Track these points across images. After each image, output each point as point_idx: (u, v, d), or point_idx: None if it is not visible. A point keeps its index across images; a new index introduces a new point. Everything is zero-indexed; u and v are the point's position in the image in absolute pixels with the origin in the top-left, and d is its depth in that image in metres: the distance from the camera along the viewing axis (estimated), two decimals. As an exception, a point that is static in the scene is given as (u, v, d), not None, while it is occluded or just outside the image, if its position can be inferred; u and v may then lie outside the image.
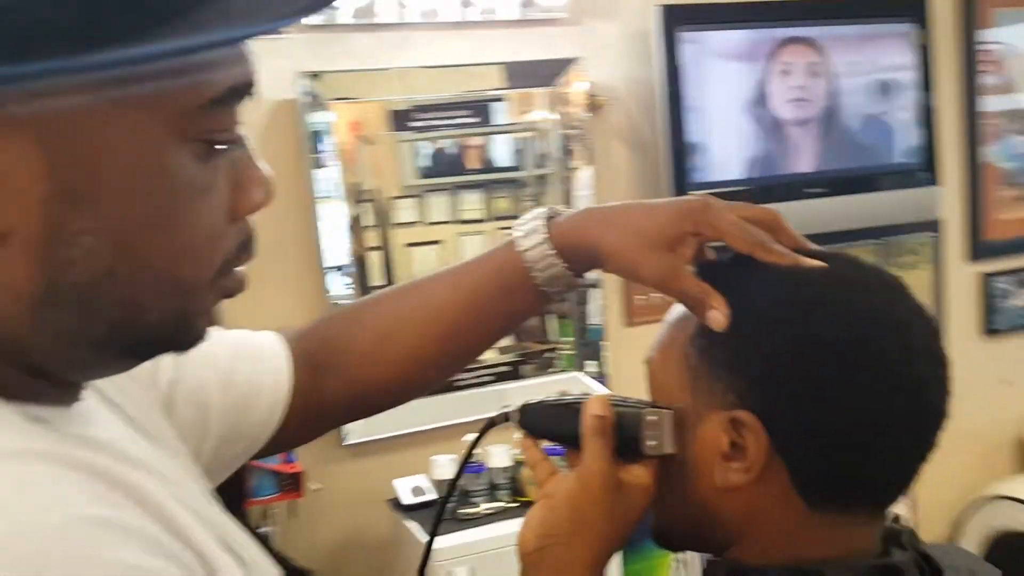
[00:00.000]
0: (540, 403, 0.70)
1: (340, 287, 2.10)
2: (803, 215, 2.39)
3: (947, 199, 2.66)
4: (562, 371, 2.35)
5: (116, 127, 0.42)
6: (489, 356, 2.27)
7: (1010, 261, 2.82)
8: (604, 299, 2.35)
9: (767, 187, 2.36)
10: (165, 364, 0.66)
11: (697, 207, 0.66)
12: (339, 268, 2.10)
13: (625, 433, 0.66)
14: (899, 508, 0.68)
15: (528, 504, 0.91)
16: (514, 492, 1.98)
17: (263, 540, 1.79)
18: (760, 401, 0.61)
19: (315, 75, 2.03)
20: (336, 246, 2.09)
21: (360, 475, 2.11)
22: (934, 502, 2.65)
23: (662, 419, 0.65)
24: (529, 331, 2.36)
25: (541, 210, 0.71)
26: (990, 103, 2.74)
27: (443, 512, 0.83)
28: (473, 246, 2.20)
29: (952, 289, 2.76)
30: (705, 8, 2.34)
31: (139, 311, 0.46)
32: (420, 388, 0.78)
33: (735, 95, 2.34)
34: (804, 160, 2.43)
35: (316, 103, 2.04)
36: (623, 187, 2.35)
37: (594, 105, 2.28)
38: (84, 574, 0.38)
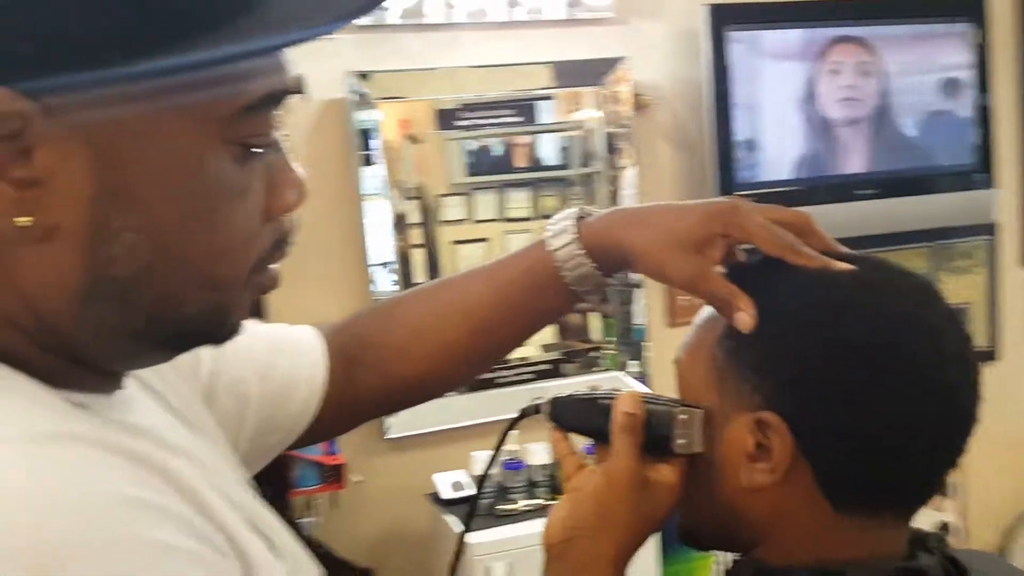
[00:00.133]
0: (570, 397, 0.71)
1: (385, 284, 2.13)
2: (853, 217, 2.36)
3: (1004, 202, 2.60)
4: (605, 370, 2.36)
5: (158, 132, 0.45)
6: (532, 353, 2.29)
7: (1068, 266, 2.74)
8: (647, 299, 2.34)
9: (816, 188, 2.34)
10: (206, 356, 0.69)
11: (726, 209, 0.66)
12: (384, 265, 2.13)
13: (655, 431, 0.66)
14: (948, 516, 0.68)
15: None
16: (553, 490, 1.99)
17: (296, 527, 1.83)
18: (786, 403, 0.61)
19: (364, 75, 2.06)
20: (382, 243, 2.12)
21: (401, 469, 2.14)
22: (985, 510, 2.59)
23: (693, 418, 0.65)
24: (573, 330, 2.36)
25: (572, 210, 0.72)
26: (1049, 104, 2.67)
27: (475, 506, 0.85)
28: (520, 244, 2.20)
29: (1007, 294, 2.70)
30: (754, 7, 2.32)
31: (177, 305, 0.48)
32: (452, 383, 0.80)
33: (784, 94, 2.32)
34: (855, 161, 2.40)
35: (364, 102, 2.07)
36: (668, 186, 2.35)
37: (640, 104, 2.28)
38: (121, 551, 0.40)
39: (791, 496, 0.63)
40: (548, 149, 2.26)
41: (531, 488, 2.01)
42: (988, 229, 2.62)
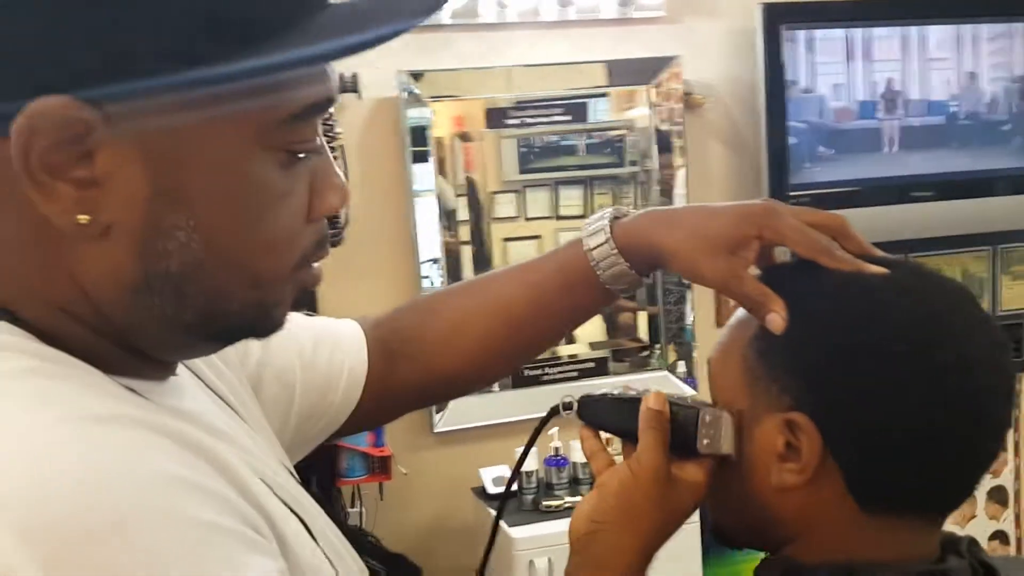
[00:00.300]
0: (600, 396, 0.73)
1: (435, 280, 2.16)
2: (911, 219, 2.32)
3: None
4: (653, 370, 2.35)
5: (209, 139, 0.48)
6: (580, 351, 2.30)
7: None
8: (694, 300, 2.34)
9: (873, 190, 2.30)
10: (254, 347, 0.72)
11: (760, 211, 0.67)
12: (434, 261, 2.16)
13: (681, 430, 0.67)
14: (1004, 524, 0.68)
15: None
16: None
17: (340, 515, 1.86)
18: (815, 404, 0.62)
19: (416, 73, 2.09)
20: (433, 239, 2.15)
21: (447, 462, 2.17)
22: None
23: (717, 420, 0.66)
24: (622, 328, 2.37)
25: (608, 210, 0.74)
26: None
27: (507, 497, 0.86)
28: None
29: (1070, 300, 2.62)
30: (810, 5, 2.30)
31: (224, 300, 0.51)
32: (489, 377, 0.82)
33: (840, 94, 2.29)
34: (913, 163, 2.36)
35: (417, 100, 2.10)
36: (719, 186, 2.33)
37: (692, 103, 2.27)
38: (163, 525, 0.42)
39: (820, 497, 0.63)
40: (600, 147, 2.27)
41: (574, 484, 2.02)
42: (1051, 233, 2.56)
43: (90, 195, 0.46)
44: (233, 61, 0.45)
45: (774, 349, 0.64)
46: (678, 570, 1.98)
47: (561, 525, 1.87)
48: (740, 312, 0.68)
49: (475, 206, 2.18)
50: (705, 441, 0.66)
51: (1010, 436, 2.58)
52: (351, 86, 1.97)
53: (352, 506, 2.00)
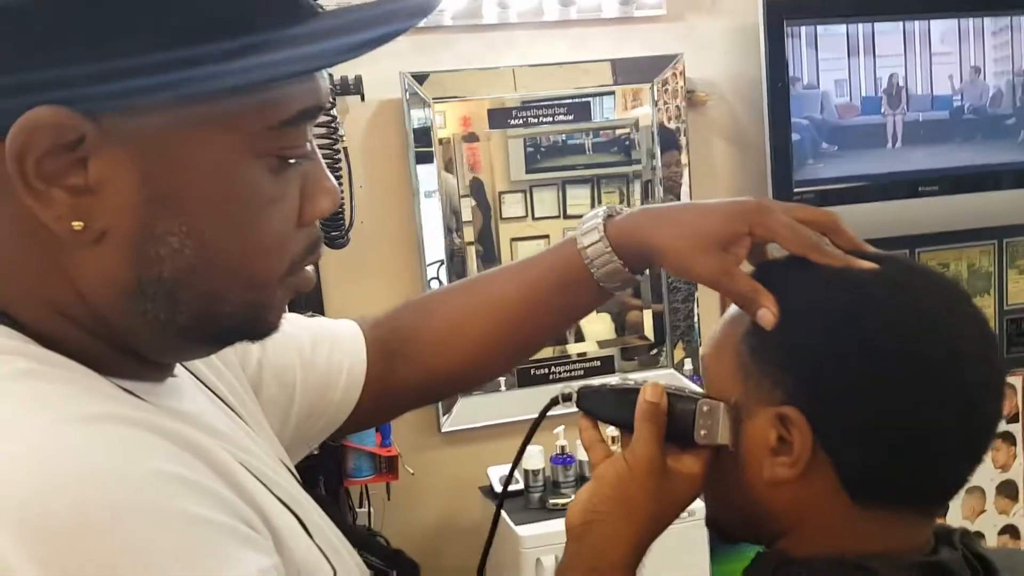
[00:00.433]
0: (598, 386, 0.73)
1: (443, 281, 2.17)
2: (917, 214, 2.32)
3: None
4: (661, 367, 2.36)
5: (200, 146, 0.49)
6: (588, 349, 2.30)
7: None
8: (700, 297, 2.34)
9: (878, 185, 2.30)
10: (254, 347, 0.73)
11: (751, 208, 0.68)
12: (440, 262, 2.17)
13: (679, 422, 0.68)
14: (1015, 519, 0.68)
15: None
16: (603, 485, 2.00)
17: (342, 514, 1.87)
18: (806, 399, 0.63)
19: (419, 75, 2.10)
20: (438, 240, 2.15)
21: (455, 462, 2.18)
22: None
23: (714, 410, 0.67)
24: (630, 326, 2.37)
25: (601, 208, 0.74)
26: None
27: (508, 486, 0.87)
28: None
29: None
30: (812, 1, 2.29)
31: (217, 303, 0.52)
32: (488, 375, 0.83)
33: (843, 90, 2.29)
34: (917, 158, 2.35)
35: (421, 101, 2.11)
36: (724, 183, 2.33)
37: (695, 101, 2.28)
38: (154, 520, 0.43)
39: (812, 490, 0.64)
40: (607, 146, 2.27)
41: (581, 482, 2.02)
42: (1059, 227, 2.55)
43: (84, 202, 0.47)
44: (224, 69, 0.46)
45: (766, 344, 0.65)
46: (686, 564, 1.99)
47: (568, 523, 1.89)
48: (733, 308, 0.69)
49: (483, 206, 2.19)
50: (703, 432, 0.67)
51: (1019, 431, 2.57)
52: (354, 88, 1.98)
53: (360, 506, 2.01)
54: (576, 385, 0.74)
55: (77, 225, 0.47)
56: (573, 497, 2.06)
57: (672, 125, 2.27)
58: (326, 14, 0.52)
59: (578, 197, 2.24)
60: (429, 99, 2.11)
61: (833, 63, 2.27)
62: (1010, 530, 2.53)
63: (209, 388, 0.64)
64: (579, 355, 2.29)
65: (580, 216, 2.37)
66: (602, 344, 2.33)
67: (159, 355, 0.55)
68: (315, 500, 0.64)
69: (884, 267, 0.65)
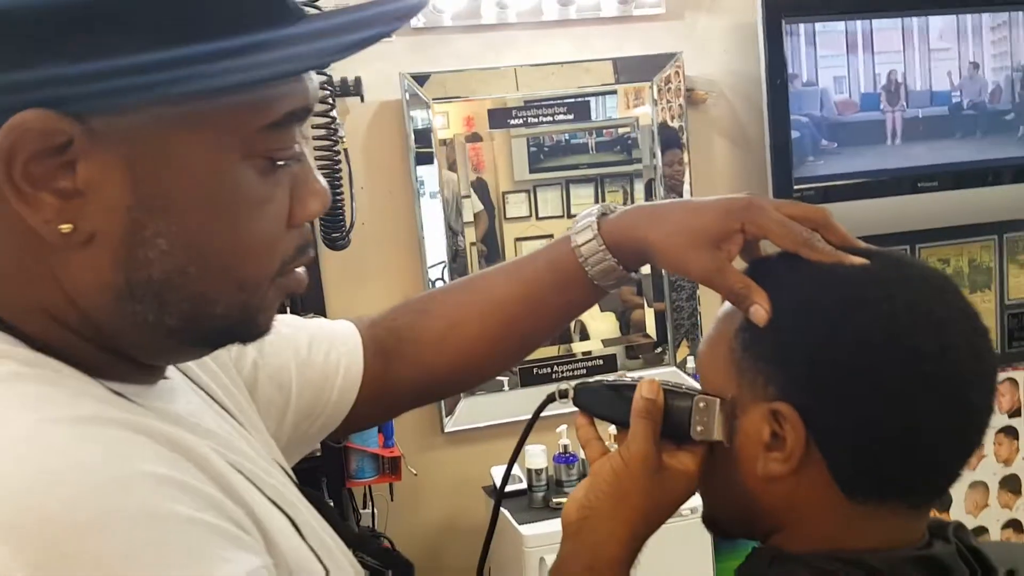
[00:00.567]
0: (595, 383, 0.74)
1: (447, 281, 2.17)
2: (917, 209, 2.31)
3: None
4: (664, 366, 2.36)
5: (189, 149, 0.49)
6: (592, 347, 2.31)
7: None
8: (701, 296, 2.34)
9: (878, 182, 2.29)
10: (249, 348, 0.73)
11: (743, 205, 0.68)
12: (442, 263, 2.17)
13: (674, 418, 0.68)
14: (1019, 513, 0.68)
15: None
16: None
17: (344, 515, 1.87)
18: (798, 394, 0.63)
19: (419, 75, 2.11)
20: (439, 241, 2.16)
21: (458, 462, 2.18)
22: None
23: (711, 406, 0.67)
24: (634, 325, 2.37)
25: (595, 207, 0.75)
26: None
27: (506, 481, 0.87)
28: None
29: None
30: (812, -2, 2.30)
31: (207, 304, 0.52)
32: (484, 374, 0.83)
33: (842, 87, 2.28)
34: (917, 154, 2.35)
35: (421, 102, 2.11)
36: (724, 180, 2.34)
37: (695, 99, 2.28)
38: (143, 520, 0.43)
39: (806, 485, 0.64)
40: (610, 145, 2.28)
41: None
42: (1060, 221, 2.54)
43: (72, 205, 0.47)
44: (211, 70, 0.46)
45: (758, 340, 0.65)
46: (689, 561, 1.99)
47: (570, 522, 1.89)
48: (726, 305, 0.69)
49: (487, 206, 2.19)
50: (699, 428, 0.67)
51: (1022, 425, 2.56)
52: (354, 90, 1.98)
53: (364, 507, 2.01)
54: (572, 382, 0.75)
55: (65, 228, 0.47)
56: (573, 495, 2.05)
57: (673, 123, 2.27)
58: (314, 16, 0.52)
59: (582, 197, 2.24)
60: (429, 100, 2.12)
61: (832, 60, 2.27)
62: (1014, 524, 2.53)
63: (203, 389, 0.64)
64: (583, 354, 2.29)
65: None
66: (606, 343, 2.33)
67: (149, 357, 0.55)
68: (309, 500, 0.64)
69: (874, 262, 0.65)
